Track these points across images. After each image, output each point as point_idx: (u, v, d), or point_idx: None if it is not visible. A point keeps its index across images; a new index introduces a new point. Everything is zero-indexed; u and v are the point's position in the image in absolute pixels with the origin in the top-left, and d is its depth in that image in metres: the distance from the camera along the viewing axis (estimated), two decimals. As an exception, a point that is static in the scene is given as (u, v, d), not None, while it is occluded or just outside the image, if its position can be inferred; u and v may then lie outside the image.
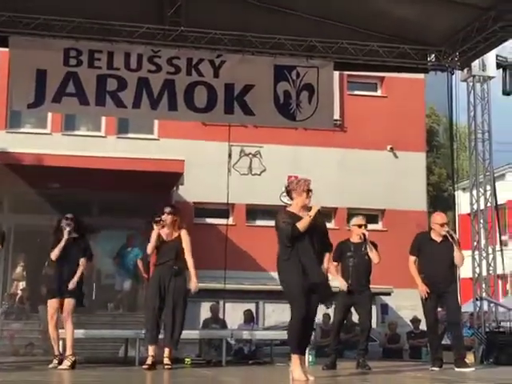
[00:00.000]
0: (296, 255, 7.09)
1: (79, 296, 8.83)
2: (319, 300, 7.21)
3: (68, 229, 8.78)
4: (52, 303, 8.83)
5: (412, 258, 9.22)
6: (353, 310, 9.81)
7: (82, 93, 11.30)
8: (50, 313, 8.85)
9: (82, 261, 8.84)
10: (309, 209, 7.37)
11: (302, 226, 7.13)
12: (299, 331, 6.98)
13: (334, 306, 9.65)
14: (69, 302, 8.72)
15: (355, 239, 9.48)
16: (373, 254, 9.34)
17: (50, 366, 8.69)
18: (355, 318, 9.99)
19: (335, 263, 9.44)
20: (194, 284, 8.82)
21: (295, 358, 6.99)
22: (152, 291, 8.77)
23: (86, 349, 10.23)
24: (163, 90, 11.55)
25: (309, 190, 7.40)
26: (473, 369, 8.84)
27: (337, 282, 9.26)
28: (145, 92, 11.46)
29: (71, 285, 8.67)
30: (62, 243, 8.75)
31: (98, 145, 20.14)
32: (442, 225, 9.08)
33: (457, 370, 8.76)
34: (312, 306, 7.10)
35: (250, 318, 15.15)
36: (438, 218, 9.22)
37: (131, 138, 20.99)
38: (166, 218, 8.82)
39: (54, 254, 8.77)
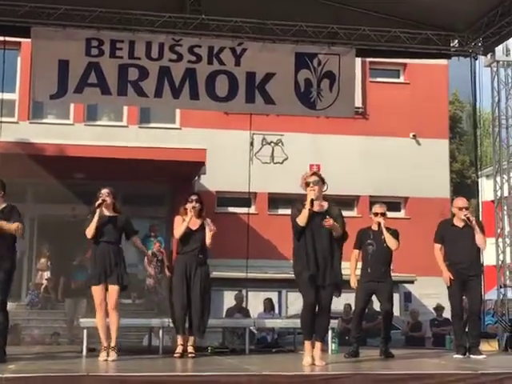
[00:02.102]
0: (303, 246, 7.45)
1: (124, 280, 8.42)
2: (330, 290, 7.44)
3: (101, 198, 8.30)
4: (98, 290, 8.26)
5: (437, 246, 9.20)
6: (374, 298, 9.81)
7: (104, 83, 11.36)
8: (97, 300, 8.26)
9: (134, 239, 8.58)
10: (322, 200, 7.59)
11: (300, 220, 7.46)
12: (307, 318, 7.45)
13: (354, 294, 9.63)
14: (114, 290, 8.27)
15: (375, 227, 9.46)
16: (389, 240, 9.28)
17: (101, 358, 8.14)
18: (377, 306, 10.01)
19: (356, 251, 9.44)
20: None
21: (306, 344, 7.50)
22: (178, 280, 8.72)
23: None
24: (184, 79, 11.59)
25: (308, 183, 7.55)
26: (484, 356, 8.85)
27: (351, 276, 9.28)
28: (166, 81, 11.50)
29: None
30: (96, 218, 8.23)
31: (120, 135, 20.24)
32: (460, 209, 9.05)
33: (472, 356, 8.83)
34: (321, 295, 7.40)
35: (269, 307, 15.18)
36: (459, 202, 9.20)
37: (153, 128, 21.08)
38: (195, 205, 8.79)
39: (88, 233, 8.24)
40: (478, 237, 8.97)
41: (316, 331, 7.52)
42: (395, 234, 9.42)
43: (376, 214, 9.42)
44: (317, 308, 7.50)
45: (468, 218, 8.97)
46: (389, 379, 6.52)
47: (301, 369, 7.20)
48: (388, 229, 9.37)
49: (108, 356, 8.18)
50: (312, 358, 7.45)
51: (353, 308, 10.22)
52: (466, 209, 9.10)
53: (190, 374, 6.90)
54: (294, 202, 7.82)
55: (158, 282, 17.21)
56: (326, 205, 7.63)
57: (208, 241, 8.77)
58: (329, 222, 7.40)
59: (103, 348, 8.28)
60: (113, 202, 8.52)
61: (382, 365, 8.38)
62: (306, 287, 7.41)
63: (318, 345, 7.50)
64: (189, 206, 8.82)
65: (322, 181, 7.68)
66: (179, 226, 8.81)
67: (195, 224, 8.82)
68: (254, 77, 11.80)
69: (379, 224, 9.34)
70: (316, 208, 7.52)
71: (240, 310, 14.91)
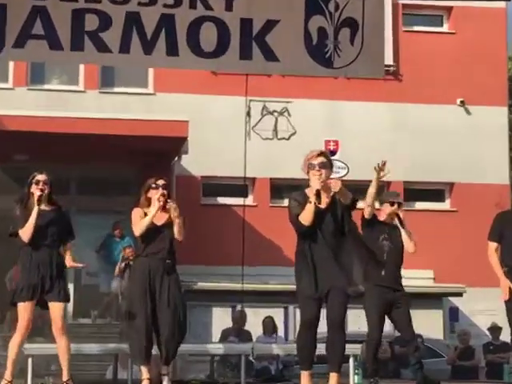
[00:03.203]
0: (308, 249, 7.57)
1: (67, 294, 8.42)
2: (344, 302, 7.50)
3: (39, 188, 8.31)
4: (27, 308, 8.23)
5: (493, 245, 9.15)
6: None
7: (53, 34, 11.28)
8: (23, 322, 8.20)
9: (68, 245, 8.47)
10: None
11: (304, 218, 7.52)
12: (304, 342, 7.55)
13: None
14: (59, 308, 8.27)
15: (387, 219, 9.65)
16: (408, 240, 9.48)
17: None
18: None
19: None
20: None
21: (303, 375, 7.54)
22: (139, 291, 8.71)
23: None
24: (159, 29, 11.50)
25: (313, 166, 7.61)
26: None
27: None
28: (135, 31, 11.42)
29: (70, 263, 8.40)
30: (34, 215, 8.24)
31: (75, 102, 20.26)
32: None
33: None
34: (330, 311, 7.47)
35: (271, 328, 15.25)
36: None
37: (118, 93, 21.09)
38: (164, 193, 8.78)
39: (26, 234, 8.23)
40: None
41: (328, 358, 7.53)
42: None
43: (392, 204, 9.63)
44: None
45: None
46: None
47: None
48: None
49: None
50: None
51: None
52: None
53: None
54: (293, 193, 7.85)
55: None
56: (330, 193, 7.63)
57: (177, 234, 8.76)
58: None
59: (7, 382, 8.19)
60: (49, 193, 8.52)
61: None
62: (304, 301, 7.56)
63: (332, 377, 7.49)
64: (154, 193, 8.81)
65: (330, 164, 7.77)
66: (140, 221, 8.78)
67: (161, 218, 8.81)
68: (251, 25, 11.71)
69: (399, 218, 9.55)
70: (323, 203, 7.56)
71: (239, 332, 14.95)
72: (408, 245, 9.54)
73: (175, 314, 8.73)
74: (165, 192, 8.81)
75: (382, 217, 9.69)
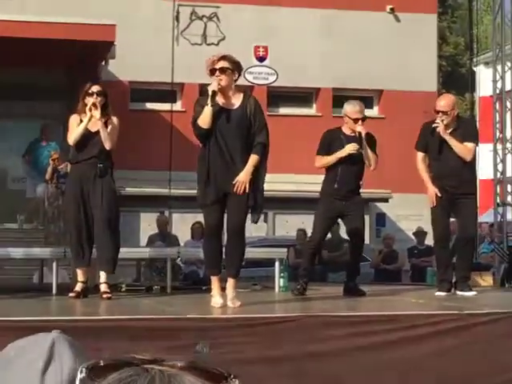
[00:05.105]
0: (207, 153, 7.60)
1: None
2: (243, 209, 7.60)
3: None
4: None
5: (420, 155, 9.47)
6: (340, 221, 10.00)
7: None
8: None
9: None
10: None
11: (201, 121, 7.54)
12: (209, 246, 7.79)
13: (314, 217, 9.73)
14: None
15: (348, 131, 9.54)
16: (370, 159, 9.45)
17: None
18: (342, 231, 10.13)
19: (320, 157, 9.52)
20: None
21: (213, 280, 7.75)
22: (72, 197, 8.78)
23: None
24: None
25: (213, 71, 7.63)
26: (475, 293, 9.21)
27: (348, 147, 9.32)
28: None
29: None
30: None
31: (-2, 4, 19.78)
32: (437, 112, 9.17)
33: (458, 293, 9.18)
34: (229, 218, 7.63)
35: (199, 234, 15.32)
36: (439, 102, 9.34)
37: (43, -5, 20.63)
38: (96, 100, 8.73)
39: None
40: (456, 147, 9.13)
41: (226, 263, 7.75)
42: (373, 140, 9.57)
43: (356, 121, 9.46)
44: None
45: (435, 128, 9.12)
46: (346, 322, 6.64)
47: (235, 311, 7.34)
48: (366, 134, 9.47)
49: None
50: (227, 296, 7.60)
51: (308, 235, 10.36)
52: (444, 113, 9.17)
53: (74, 319, 6.84)
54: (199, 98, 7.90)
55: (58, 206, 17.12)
56: (240, 97, 7.69)
57: (105, 142, 8.72)
58: None
59: None
60: None
61: (343, 305, 8.61)
62: (205, 206, 7.63)
63: (229, 282, 7.68)
64: (90, 100, 8.75)
65: (237, 67, 7.80)
66: (75, 129, 8.77)
67: (96, 124, 8.78)
68: None
69: (360, 135, 9.40)
70: (221, 101, 7.61)
71: (164, 236, 15.01)
72: (369, 163, 9.50)
73: (110, 214, 8.76)
74: (97, 101, 8.73)
75: (345, 128, 9.56)
